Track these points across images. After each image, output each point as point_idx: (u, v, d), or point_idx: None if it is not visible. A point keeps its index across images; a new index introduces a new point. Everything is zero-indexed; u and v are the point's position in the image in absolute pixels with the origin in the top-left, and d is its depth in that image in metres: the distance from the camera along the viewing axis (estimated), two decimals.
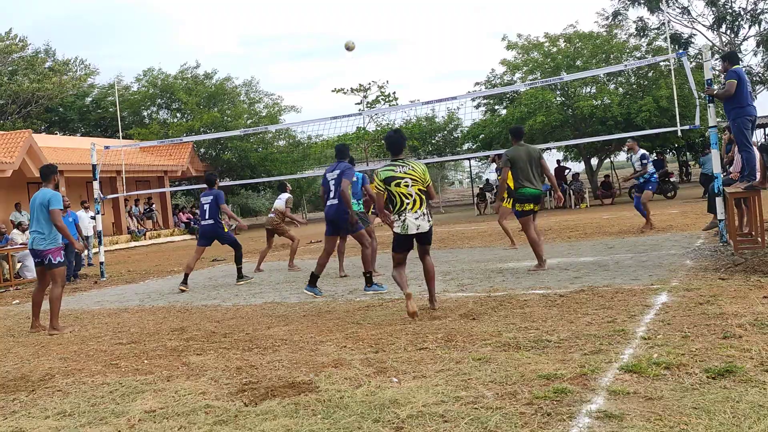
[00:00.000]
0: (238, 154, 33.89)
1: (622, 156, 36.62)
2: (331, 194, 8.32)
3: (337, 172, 8.29)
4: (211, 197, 10.32)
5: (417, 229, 6.26)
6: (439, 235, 15.89)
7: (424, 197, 6.29)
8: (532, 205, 8.71)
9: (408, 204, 6.23)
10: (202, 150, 34.71)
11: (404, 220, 6.24)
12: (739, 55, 32.09)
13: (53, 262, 7.39)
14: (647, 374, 3.85)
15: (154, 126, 34.80)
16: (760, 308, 5.19)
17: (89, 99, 39.92)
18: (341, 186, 8.13)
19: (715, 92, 9.05)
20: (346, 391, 4.07)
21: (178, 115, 37.37)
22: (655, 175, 12.73)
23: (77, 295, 10.89)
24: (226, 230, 10.50)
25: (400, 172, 6.26)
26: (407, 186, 6.23)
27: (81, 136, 36.04)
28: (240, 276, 10.36)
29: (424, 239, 6.40)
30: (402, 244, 6.39)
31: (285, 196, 11.86)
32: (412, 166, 6.32)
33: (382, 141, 33.18)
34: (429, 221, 6.34)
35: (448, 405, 3.64)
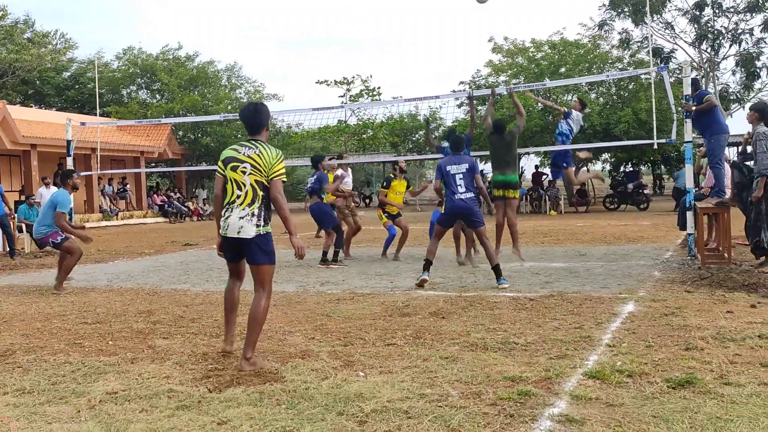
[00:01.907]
0: (218, 139, 33.59)
1: (598, 165, 37.07)
2: (461, 188, 7.86)
3: (465, 165, 7.98)
4: (315, 177, 10.49)
5: (237, 233, 4.61)
6: (414, 233, 15.91)
7: (261, 194, 4.64)
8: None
9: (239, 196, 4.65)
10: (181, 133, 34.34)
11: (227, 218, 4.68)
12: (717, 74, 32.67)
13: (56, 242, 8.53)
14: (610, 381, 3.90)
15: (133, 105, 34.34)
16: (723, 322, 5.29)
17: (67, 74, 39.23)
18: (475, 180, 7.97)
19: (695, 108, 9.17)
20: (312, 382, 4.07)
21: (158, 96, 36.93)
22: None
23: (44, 272, 10.72)
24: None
25: (243, 154, 4.68)
26: (244, 172, 4.64)
27: (57, 110, 35.41)
28: (325, 260, 10.26)
29: (249, 255, 4.69)
30: (225, 249, 4.84)
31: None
32: (260, 151, 4.66)
33: (363, 136, 33.37)
34: (258, 228, 4.62)
35: (413, 402, 3.66)
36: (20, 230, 14.80)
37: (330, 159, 14.15)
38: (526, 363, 4.35)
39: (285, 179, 4.76)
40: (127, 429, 3.38)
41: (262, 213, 4.64)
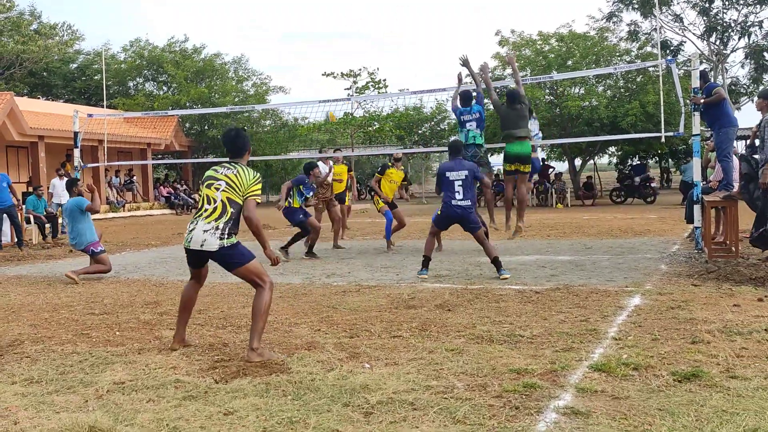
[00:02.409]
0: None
1: (605, 158, 36.95)
2: (459, 195, 7.81)
3: (465, 172, 7.88)
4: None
5: (201, 246, 4.63)
6: (419, 225, 15.92)
7: (230, 211, 4.66)
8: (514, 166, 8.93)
9: (207, 210, 4.69)
10: (188, 125, 34.39)
11: (192, 230, 4.71)
12: (726, 66, 32.45)
13: (95, 251, 8.90)
14: (616, 374, 3.90)
15: (140, 97, 34.38)
16: (730, 316, 5.28)
17: (74, 65, 39.32)
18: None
19: (703, 101, 9.12)
20: (318, 374, 4.08)
21: (165, 88, 36.96)
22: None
23: (51, 263, 10.78)
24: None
25: (221, 173, 4.76)
26: (217, 189, 4.71)
27: (64, 102, 35.51)
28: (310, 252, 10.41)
29: (223, 265, 4.76)
30: (188, 259, 4.91)
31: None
32: (238, 171, 4.73)
33: (368, 129, 33.32)
34: (222, 240, 4.62)
35: (419, 393, 3.67)
36: (28, 221, 14.87)
37: (335, 151, 14.21)
38: (531, 355, 4.35)
39: (259, 200, 4.80)
40: (134, 419, 3.40)
41: (227, 228, 4.67)
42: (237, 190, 4.71)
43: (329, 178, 11.84)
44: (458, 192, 7.83)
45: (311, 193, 10.55)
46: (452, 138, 9.28)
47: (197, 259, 4.84)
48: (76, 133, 13.59)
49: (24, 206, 15.02)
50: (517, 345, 4.64)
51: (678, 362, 4.11)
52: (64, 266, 10.20)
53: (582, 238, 12.07)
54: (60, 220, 16.26)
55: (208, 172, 4.86)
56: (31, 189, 18.58)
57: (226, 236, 4.65)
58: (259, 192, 4.80)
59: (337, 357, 4.45)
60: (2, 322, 6.01)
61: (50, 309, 6.56)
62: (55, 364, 4.50)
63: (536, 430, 3.13)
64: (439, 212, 8.08)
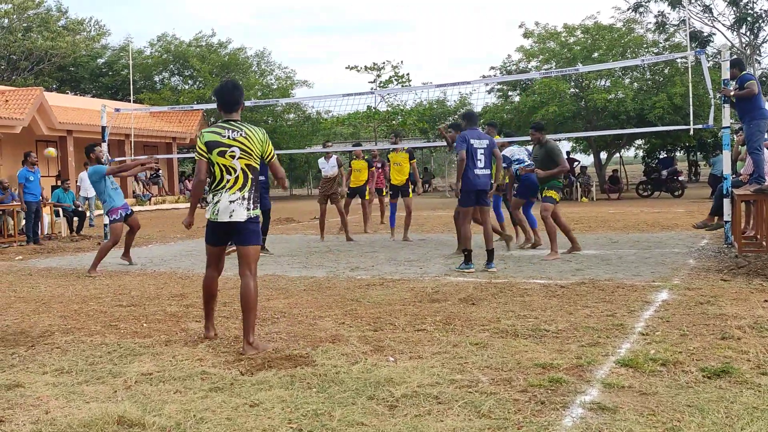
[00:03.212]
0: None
1: (631, 151, 36.49)
2: (480, 163, 7.94)
3: (486, 142, 8.03)
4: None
5: (230, 217, 4.59)
6: (443, 219, 15.88)
7: (251, 177, 4.64)
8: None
9: (228, 181, 4.62)
10: (212, 119, 34.66)
11: (217, 202, 4.63)
12: (758, 58, 31.81)
13: (110, 219, 8.94)
14: (643, 369, 3.85)
15: (166, 92, 34.72)
16: (761, 311, 5.19)
17: (101, 60, 39.80)
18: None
19: (733, 93, 8.95)
20: (342, 366, 4.09)
21: (190, 82, 37.26)
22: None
23: (80, 255, 10.94)
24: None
25: (228, 137, 4.62)
26: (233, 156, 4.61)
27: (92, 97, 35.98)
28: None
29: (239, 237, 4.66)
30: (210, 233, 4.79)
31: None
32: (246, 133, 4.64)
33: (392, 122, 33.28)
34: (249, 211, 4.61)
35: (443, 387, 3.66)
36: (57, 214, 15.10)
37: (354, 146, 14.28)
38: (557, 350, 4.32)
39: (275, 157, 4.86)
40: (161, 409, 3.44)
41: (252, 195, 4.65)
42: (252, 154, 4.64)
43: (333, 172, 11.89)
44: (480, 160, 7.94)
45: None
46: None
47: (223, 234, 4.74)
48: (103, 128, 13.76)
49: (50, 199, 15.26)
50: (542, 339, 4.61)
51: (707, 358, 4.05)
52: (92, 258, 10.34)
53: (608, 232, 11.94)
54: (87, 214, 16.54)
55: (210, 136, 4.65)
56: (59, 182, 18.90)
57: (252, 207, 4.65)
58: (273, 149, 4.83)
59: (362, 350, 4.46)
60: (33, 313, 6.12)
61: (79, 301, 6.67)
62: (84, 355, 4.57)
63: (562, 425, 3.11)
64: (460, 192, 8.01)
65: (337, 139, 38.59)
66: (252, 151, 4.64)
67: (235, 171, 4.61)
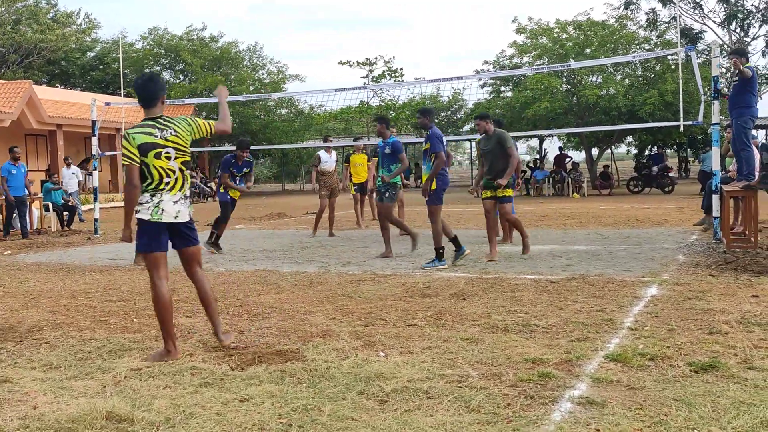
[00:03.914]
0: (239, 119, 33.74)
1: (622, 148, 36.62)
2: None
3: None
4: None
5: (175, 218, 4.38)
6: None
7: (186, 173, 4.48)
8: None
9: (168, 183, 4.37)
10: (204, 113, 34.52)
11: (158, 203, 4.34)
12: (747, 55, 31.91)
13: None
14: (631, 364, 3.88)
15: None
16: (748, 306, 5.23)
17: (92, 54, 39.57)
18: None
19: (739, 71, 8.68)
20: (333, 362, 4.10)
21: (181, 76, 37.09)
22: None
23: (69, 250, 10.89)
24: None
25: (162, 138, 4.34)
26: (169, 158, 4.35)
27: (82, 90, 35.76)
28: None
29: (186, 238, 4.50)
30: (153, 238, 4.40)
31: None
32: (175, 130, 4.39)
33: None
34: (189, 209, 4.51)
35: (433, 382, 3.68)
36: (47, 209, 15.03)
37: (355, 140, 14.26)
38: (546, 345, 4.34)
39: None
40: (151, 404, 3.44)
41: (188, 193, 4.49)
42: (186, 150, 4.45)
43: (331, 167, 11.89)
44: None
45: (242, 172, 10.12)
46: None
47: (165, 234, 4.43)
48: (93, 122, 13.68)
49: (41, 194, 15.18)
50: (533, 334, 4.63)
51: (695, 353, 4.08)
52: (82, 253, 10.32)
53: (598, 228, 11.99)
54: (81, 208, 16.48)
55: (144, 138, 4.30)
56: (48, 177, 18.85)
57: (190, 204, 4.52)
58: (206, 122, 4.60)
59: (352, 345, 4.47)
60: (22, 308, 6.09)
61: (69, 296, 6.64)
62: (73, 350, 4.55)
63: (551, 419, 3.13)
64: (434, 188, 7.94)
65: (330, 134, 38.55)
66: (186, 147, 4.44)
67: (174, 173, 4.40)
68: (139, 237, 4.44)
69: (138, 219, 4.38)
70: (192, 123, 4.50)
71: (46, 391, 3.72)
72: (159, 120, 4.40)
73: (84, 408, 3.37)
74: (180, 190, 4.42)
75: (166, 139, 4.36)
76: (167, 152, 4.36)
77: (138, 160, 4.31)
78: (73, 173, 18.51)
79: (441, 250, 7.84)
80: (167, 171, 4.37)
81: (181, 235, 4.48)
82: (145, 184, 4.38)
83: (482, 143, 8.66)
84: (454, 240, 7.96)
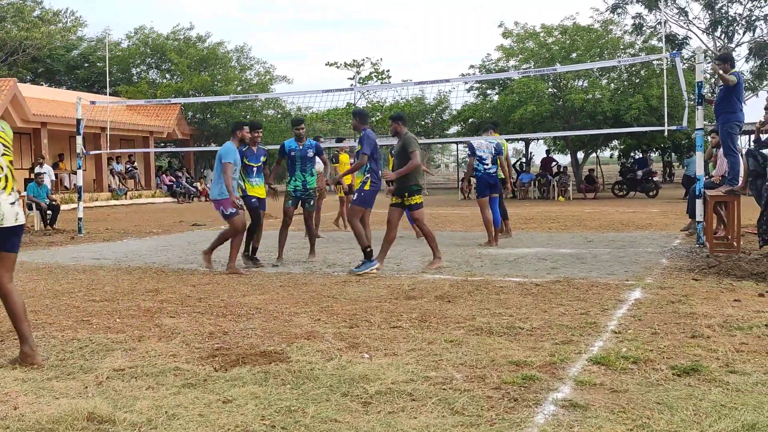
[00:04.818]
0: (226, 120, 33.58)
1: (607, 152, 36.84)
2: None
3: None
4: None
5: (16, 220, 4.10)
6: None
7: (15, 174, 4.21)
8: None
9: (0, 180, 4.08)
10: (190, 113, 34.36)
11: None
12: None
13: (225, 212, 7.87)
14: (615, 367, 3.90)
15: (143, 85, 34.34)
16: (730, 311, 5.28)
17: (77, 52, 39.23)
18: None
19: (720, 73, 8.77)
20: (317, 363, 4.09)
21: (168, 76, 36.88)
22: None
23: (53, 249, 10.79)
24: None
25: None
26: None
27: (67, 89, 35.46)
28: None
29: (14, 242, 4.17)
30: None
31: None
32: (2, 125, 4.19)
33: (372, 120, 33.26)
34: (22, 211, 4.20)
35: (417, 384, 3.67)
36: (30, 207, 14.88)
37: (337, 141, 14.25)
38: (531, 348, 4.35)
39: None
40: (133, 405, 3.41)
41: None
42: (10, 148, 4.16)
43: (320, 168, 11.87)
44: (375, 160, 8.03)
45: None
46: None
47: (5, 239, 4.11)
48: (78, 120, 13.57)
49: (25, 193, 15.03)
50: (517, 337, 4.64)
51: (677, 356, 4.11)
52: (65, 253, 10.22)
53: (583, 231, 12.05)
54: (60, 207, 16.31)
55: None
56: (33, 176, 18.66)
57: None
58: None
59: (337, 347, 4.46)
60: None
61: (51, 295, 6.58)
62: (55, 350, 4.51)
63: (534, 422, 3.14)
64: (366, 189, 7.87)
65: (317, 135, 38.48)
66: (10, 144, 4.15)
67: (3, 170, 4.07)
68: None
69: None
70: (7, 128, 4.22)
71: (27, 391, 3.68)
72: None
73: (65, 408, 3.34)
74: (12, 190, 4.12)
75: None
76: None
77: None
78: (44, 172, 18.35)
79: (368, 250, 7.59)
80: None
81: (14, 238, 4.16)
82: None
83: (395, 146, 8.18)
84: (368, 251, 7.66)
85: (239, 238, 7.98)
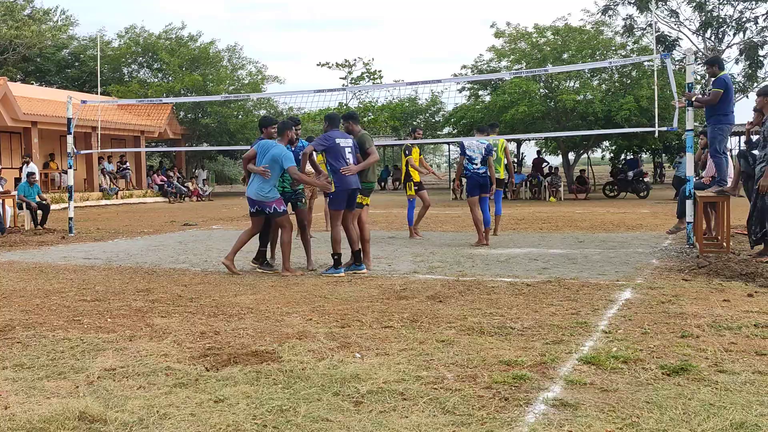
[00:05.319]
0: (218, 119, 33.51)
1: (598, 153, 37.00)
2: (349, 162, 7.60)
3: (351, 140, 7.79)
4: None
5: None
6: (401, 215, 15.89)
7: None
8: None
9: None
10: (182, 113, 34.23)
11: None
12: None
13: (278, 211, 7.75)
14: (605, 367, 3.93)
15: (134, 84, 34.19)
16: (719, 311, 5.32)
17: (67, 51, 39.04)
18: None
19: (696, 98, 9.15)
20: (309, 363, 4.10)
21: (159, 75, 36.75)
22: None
23: (43, 249, 10.74)
24: None
25: None
26: None
27: (58, 88, 35.27)
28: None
29: None
30: None
31: None
32: None
33: (363, 119, 33.27)
34: None
35: (409, 383, 3.69)
36: (20, 207, 14.80)
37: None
38: (521, 347, 4.38)
39: None
40: (124, 405, 3.41)
41: None
42: None
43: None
44: (348, 159, 7.66)
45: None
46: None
47: None
48: (69, 120, 13.50)
49: (16, 192, 14.94)
50: (508, 337, 4.66)
51: (667, 356, 4.14)
52: (56, 252, 10.18)
53: (574, 232, 12.10)
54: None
55: None
56: (22, 175, 18.55)
57: None
58: None
59: (328, 346, 4.47)
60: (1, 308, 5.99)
61: (42, 295, 6.55)
62: (46, 350, 4.49)
63: (525, 421, 3.16)
64: (333, 189, 7.67)
65: (309, 135, 38.44)
66: None
67: None
68: None
69: None
70: None
71: (18, 390, 3.67)
72: None
73: (56, 408, 3.33)
74: None
75: None
76: None
77: None
78: (33, 172, 18.24)
79: (336, 257, 7.58)
80: None
81: None
82: None
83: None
84: (356, 254, 7.76)
85: (289, 237, 7.84)
